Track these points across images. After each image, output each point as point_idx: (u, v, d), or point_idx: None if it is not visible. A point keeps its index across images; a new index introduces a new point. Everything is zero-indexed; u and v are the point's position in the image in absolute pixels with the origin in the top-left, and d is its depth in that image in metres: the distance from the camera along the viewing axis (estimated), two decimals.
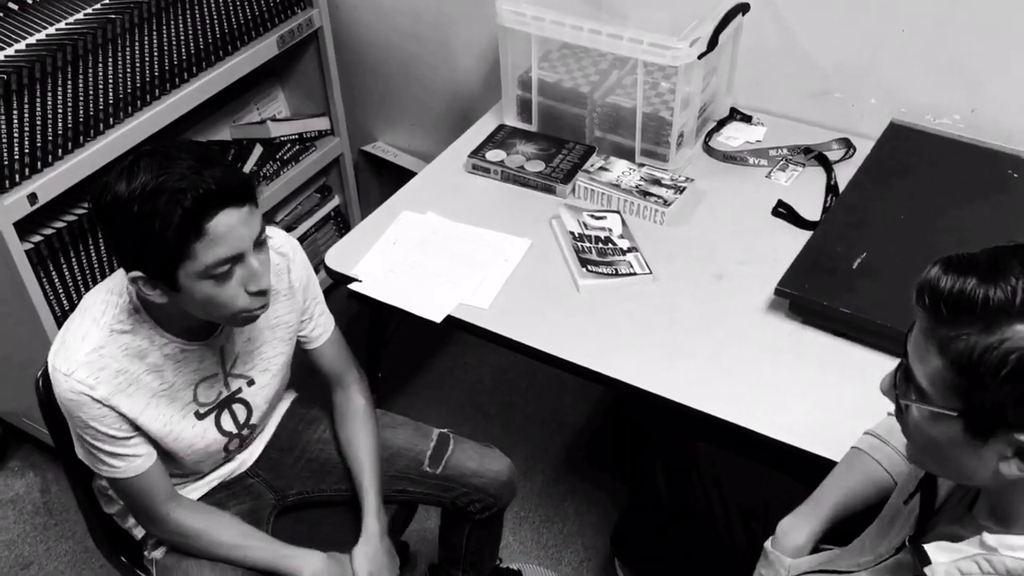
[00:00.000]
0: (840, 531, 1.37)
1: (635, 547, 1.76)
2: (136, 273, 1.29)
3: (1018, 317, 0.91)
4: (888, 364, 1.54)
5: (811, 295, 1.63)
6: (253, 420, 1.60)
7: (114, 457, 1.42)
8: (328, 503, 1.74)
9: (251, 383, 1.56)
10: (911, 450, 1.09)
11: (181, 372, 1.45)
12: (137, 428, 1.42)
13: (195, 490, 1.63)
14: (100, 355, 1.35)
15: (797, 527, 1.35)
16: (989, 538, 1.01)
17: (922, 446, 1.05)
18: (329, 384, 1.71)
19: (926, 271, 0.98)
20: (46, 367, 1.49)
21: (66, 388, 1.35)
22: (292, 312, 1.58)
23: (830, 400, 1.54)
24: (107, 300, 1.39)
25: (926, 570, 1.02)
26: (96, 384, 1.35)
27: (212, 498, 1.64)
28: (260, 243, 1.32)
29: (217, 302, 1.31)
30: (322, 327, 1.66)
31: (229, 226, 1.25)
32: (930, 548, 1.04)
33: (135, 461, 1.44)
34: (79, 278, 2.06)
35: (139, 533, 1.63)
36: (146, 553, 1.61)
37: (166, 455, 1.50)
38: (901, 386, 1.04)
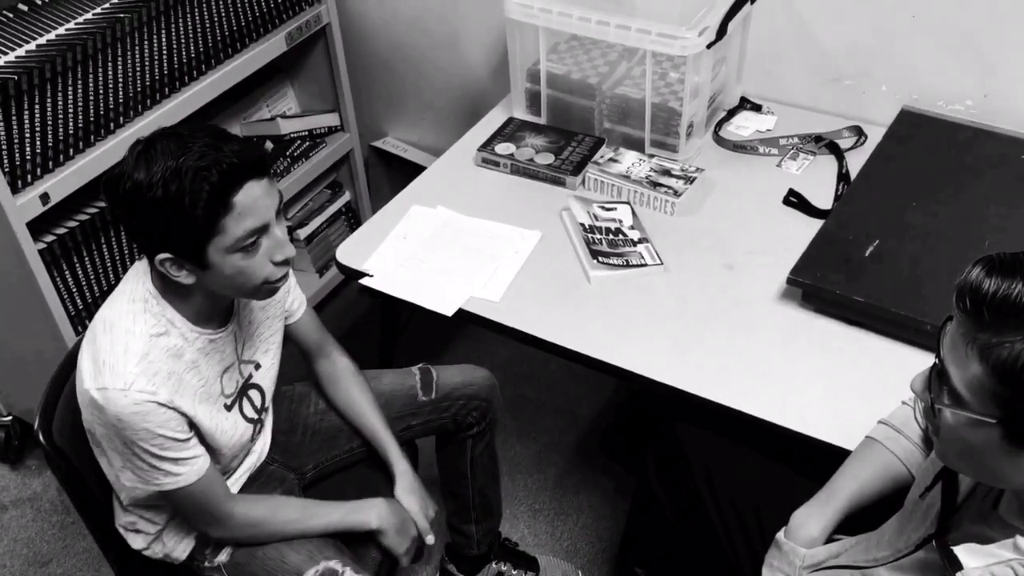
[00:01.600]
0: (851, 520, 1.37)
1: (644, 549, 1.75)
2: (164, 255, 1.30)
3: None
4: (902, 352, 1.57)
5: (823, 284, 1.62)
6: (266, 403, 1.62)
7: (178, 464, 1.40)
8: (345, 466, 1.79)
9: (258, 367, 1.58)
10: (941, 450, 1.06)
11: (211, 365, 1.46)
12: (192, 427, 1.42)
13: (232, 486, 1.62)
14: (149, 362, 1.35)
15: (811, 518, 1.34)
16: None
17: (955, 449, 1.02)
18: (311, 355, 1.75)
19: (967, 272, 0.94)
20: (60, 396, 1.50)
21: (128, 403, 1.32)
22: None
23: (843, 389, 1.53)
24: (132, 310, 1.38)
25: (959, 575, 1.00)
26: (157, 389, 1.34)
27: (246, 491, 1.65)
28: (279, 213, 1.35)
29: (246, 274, 1.33)
30: (299, 299, 1.69)
31: (254, 198, 1.28)
32: (960, 551, 1.02)
33: (196, 463, 1.43)
34: (92, 277, 2.07)
35: (182, 553, 1.59)
36: (207, 564, 1.59)
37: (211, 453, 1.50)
38: (935, 388, 1.00)
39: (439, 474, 1.94)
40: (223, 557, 1.58)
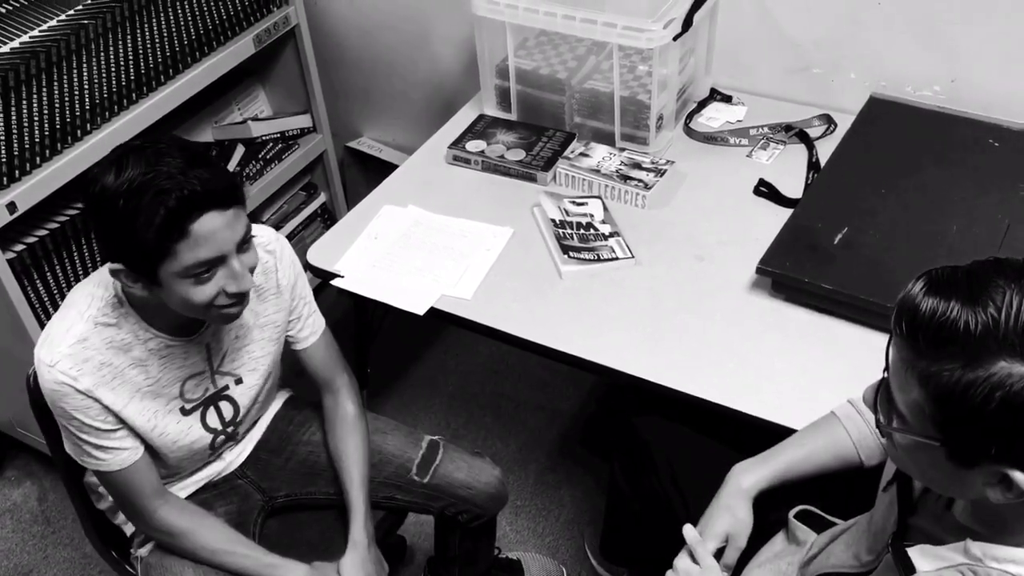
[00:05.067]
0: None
1: (619, 546, 1.74)
2: (117, 265, 1.29)
3: (1001, 350, 0.86)
4: (872, 339, 1.57)
5: (793, 272, 1.62)
6: (240, 418, 1.59)
7: (99, 449, 1.42)
8: (317, 506, 1.73)
9: (239, 381, 1.56)
10: (893, 455, 1.06)
11: (167, 368, 1.45)
12: (122, 421, 1.42)
13: (182, 489, 1.63)
14: (84, 347, 1.36)
15: (746, 472, 1.37)
16: (974, 547, 0.99)
17: (906, 463, 1.03)
18: (318, 387, 1.70)
19: (909, 287, 0.93)
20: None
21: (49, 379, 1.35)
22: (280, 311, 1.57)
23: (815, 376, 1.53)
24: (92, 294, 1.39)
25: None
26: (79, 375, 1.35)
27: (199, 497, 1.64)
28: (244, 245, 1.32)
29: (195, 301, 1.30)
30: (310, 328, 1.64)
31: (212, 229, 1.25)
32: (914, 553, 1.03)
33: (121, 454, 1.44)
34: (64, 286, 2.06)
35: (129, 529, 1.63)
36: (132, 550, 1.61)
37: (152, 452, 1.50)
38: (883, 407, 1.01)
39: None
40: (144, 551, 1.58)
